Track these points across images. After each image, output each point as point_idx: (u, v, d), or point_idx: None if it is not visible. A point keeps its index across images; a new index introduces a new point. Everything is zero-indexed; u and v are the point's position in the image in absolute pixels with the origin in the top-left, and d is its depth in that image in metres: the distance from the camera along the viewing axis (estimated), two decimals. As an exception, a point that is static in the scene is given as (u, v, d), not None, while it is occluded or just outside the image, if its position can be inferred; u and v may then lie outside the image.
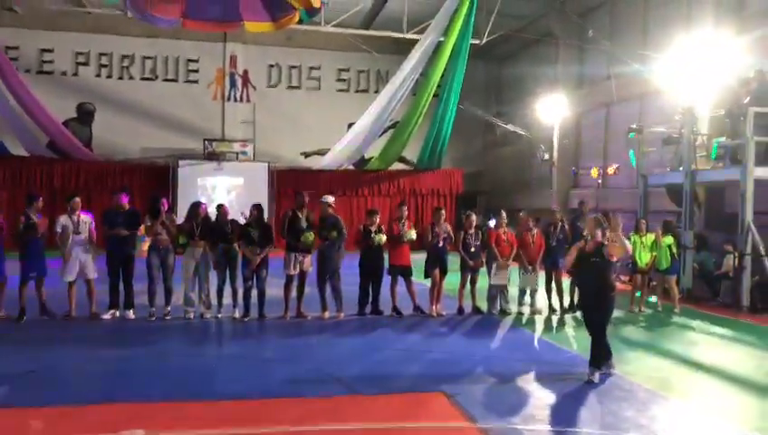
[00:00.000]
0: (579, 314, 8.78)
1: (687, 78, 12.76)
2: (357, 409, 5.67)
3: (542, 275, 10.41)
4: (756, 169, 11.12)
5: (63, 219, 9.12)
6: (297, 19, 15.70)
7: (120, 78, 23.26)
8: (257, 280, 9.36)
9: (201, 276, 9.37)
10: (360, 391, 6.12)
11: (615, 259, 6.64)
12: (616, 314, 10.35)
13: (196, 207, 9.55)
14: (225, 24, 16.65)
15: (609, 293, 6.55)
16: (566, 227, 10.65)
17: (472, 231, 10.13)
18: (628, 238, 10.81)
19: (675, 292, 10.81)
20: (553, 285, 10.45)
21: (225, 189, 21.28)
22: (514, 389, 6.30)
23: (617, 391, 6.15)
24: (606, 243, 6.52)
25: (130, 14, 16.89)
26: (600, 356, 6.52)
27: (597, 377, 6.37)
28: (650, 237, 10.80)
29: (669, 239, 10.74)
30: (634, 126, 14.21)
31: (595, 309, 6.60)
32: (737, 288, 11.21)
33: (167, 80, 23.65)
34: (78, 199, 9.29)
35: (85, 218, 9.19)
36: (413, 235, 9.87)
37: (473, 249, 10.05)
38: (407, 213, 10.22)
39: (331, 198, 9.88)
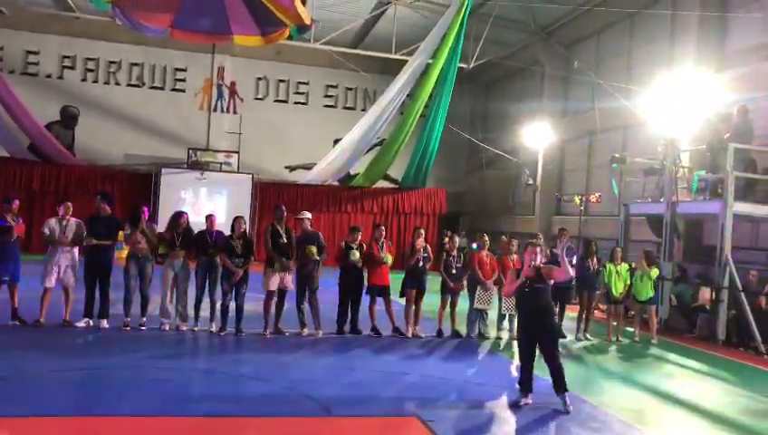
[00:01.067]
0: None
1: (670, 112, 12.97)
2: (330, 431, 5.59)
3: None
4: (736, 204, 11.29)
5: (53, 222, 8.97)
6: (287, 35, 15.70)
7: (107, 83, 23.10)
8: (236, 295, 9.25)
9: (180, 288, 9.24)
10: (333, 412, 6.03)
11: (552, 280, 6.69)
12: (594, 342, 10.49)
13: (177, 216, 9.43)
14: (214, 37, 16.58)
15: (550, 316, 6.72)
16: (547, 252, 10.69)
17: (454, 253, 10.14)
18: (604, 267, 10.95)
19: (654, 322, 10.88)
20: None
21: (209, 200, 21.12)
22: (489, 416, 6.27)
23: (591, 422, 6.13)
24: (540, 266, 6.64)
25: (119, 22, 16.80)
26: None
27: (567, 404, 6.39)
28: (625, 266, 10.89)
29: (656, 271, 10.84)
30: (617, 156, 14.38)
31: (539, 332, 6.65)
32: (714, 321, 11.31)
33: (153, 87, 23.54)
34: (69, 204, 9.15)
35: (73, 224, 9.04)
36: (389, 259, 9.83)
37: (454, 271, 10.05)
38: (384, 234, 10.19)
39: (308, 214, 9.83)
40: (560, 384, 6.47)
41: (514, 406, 6.43)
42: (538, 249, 6.73)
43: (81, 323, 9.01)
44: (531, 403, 6.46)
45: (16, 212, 8.95)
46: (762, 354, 10.26)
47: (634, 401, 7.09)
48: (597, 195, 16.91)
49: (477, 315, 10.21)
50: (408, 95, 20.99)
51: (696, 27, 14.82)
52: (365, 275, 9.90)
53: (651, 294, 10.78)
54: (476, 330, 10.21)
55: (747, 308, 10.75)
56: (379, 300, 9.85)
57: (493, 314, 10.46)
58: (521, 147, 21.20)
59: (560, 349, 6.85)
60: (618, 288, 10.73)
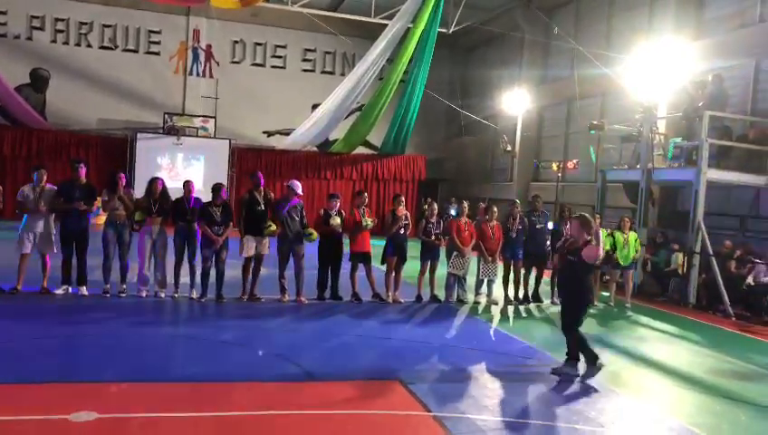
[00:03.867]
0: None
1: (648, 79, 13.06)
2: (312, 395, 5.68)
3: (500, 266, 10.58)
4: (709, 171, 11.49)
5: (27, 189, 8.82)
6: (265, -4, 15.40)
7: (78, 45, 22.47)
8: (216, 261, 9.24)
9: (158, 254, 9.20)
10: (316, 376, 6.13)
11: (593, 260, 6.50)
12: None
13: (152, 182, 9.33)
14: (190, -1, 16.19)
15: (583, 294, 6.66)
16: (525, 219, 10.84)
17: (434, 219, 10.22)
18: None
19: (629, 287, 11.13)
20: (511, 276, 10.63)
21: (186, 166, 20.88)
22: (469, 378, 6.40)
23: (567, 384, 6.31)
24: (591, 243, 6.41)
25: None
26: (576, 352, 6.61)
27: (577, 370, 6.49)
28: (603, 232, 11.05)
29: (634, 235, 11.06)
30: (595, 122, 14.49)
31: (566, 307, 6.73)
32: (685, 285, 11.61)
33: (126, 50, 22.97)
34: (43, 171, 9.00)
35: (50, 190, 8.90)
36: (371, 223, 9.89)
37: (433, 237, 10.15)
38: (366, 201, 10.22)
39: (298, 185, 9.74)
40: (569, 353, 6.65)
41: (568, 379, 6.40)
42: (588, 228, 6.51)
43: (60, 291, 8.97)
44: (578, 374, 6.46)
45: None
46: (729, 317, 10.58)
47: (609, 364, 7.28)
48: (574, 161, 17.08)
49: (455, 281, 10.34)
50: (387, 60, 20.78)
51: (675, -6, 14.84)
52: (345, 241, 9.94)
53: (632, 259, 11.01)
54: (455, 295, 10.36)
55: (718, 272, 11.04)
56: (360, 266, 9.92)
57: (471, 280, 10.61)
58: (500, 113, 21.23)
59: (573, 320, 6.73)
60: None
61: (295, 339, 7.56)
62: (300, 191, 9.67)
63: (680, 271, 12.01)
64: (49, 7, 21.94)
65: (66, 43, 22.36)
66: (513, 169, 21.28)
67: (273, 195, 9.86)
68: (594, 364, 6.50)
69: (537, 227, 10.75)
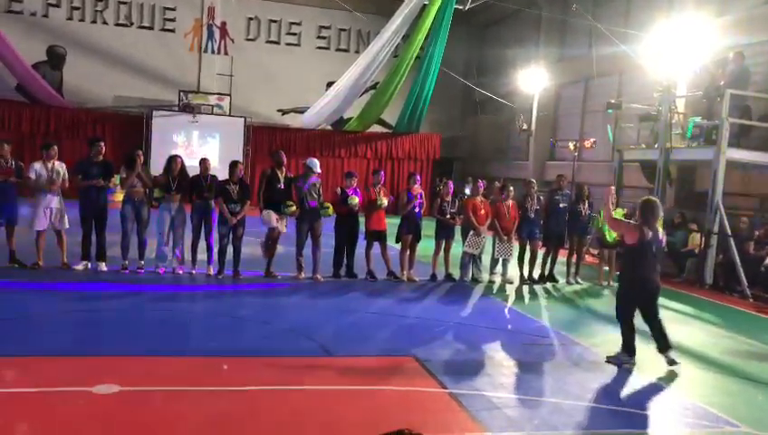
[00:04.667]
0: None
1: (667, 57, 12.84)
2: (329, 370, 5.75)
3: (515, 246, 10.58)
4: (729, 151, 11.34)
5: (38, 166, 8.89)
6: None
7: (93, 22, 22.48)
8: (233, 238, 9.31)
9: (176, 232, 9.28)
10: (332, 352, 6.20)
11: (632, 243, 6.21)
12: (584, 286, 10.68)
13: (172, 160, 9.38)
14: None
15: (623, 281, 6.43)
16: (541, 198, 10.81)
17: (449, 198, 10.20)
18: (598, 213, 11.04)
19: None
20: (527, 255, 10.62)
21: (201, 143, 20.95)
22: (484, 356, 6.45)
23: (583, 363, 6.34)
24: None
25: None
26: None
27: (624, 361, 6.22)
28: (619, 212, 10.98)
29: None
30: (613, 101, 14.32)
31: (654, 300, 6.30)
32: (702, 266, 11.54)
33: (142, 27, 22.94)
34: (55, 148, 9.10)
35: (60, 167, 8.98)
36: (386, 202, 9.90)
37: (448, 216, 10.15)
38: (383, 180, 10.24)
39: (317, 164, 9.76)
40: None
41: (619, 367, 6.15)
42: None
43: (80, 266, 9.09)
44: (633, 365, 6.22)
45: (8, 156, 8.83)
46: (747, 298, 10.51)
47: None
48: (591, 140, 16.91)
49: (470, 259, 10.35)
50: (402, 37, 20.61)
51: (697, -32, 14.52)
52: (361, 219, 9.97)
53: None
54: (470, 274, 10.37)
55: (736, 253, 10.95)
56: (375, 244, 9.95)
57: (486, 259, 10.61)
58: (516, 91, 21.01)
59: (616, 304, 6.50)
60: (611, 233, 10.85)
61: (311, 315, 7.63)
62: (318, 169, 9.70)
63: (696, 251, 11.92)
64: (65, -16, 21.93)
65: (82, 20, 22.37)
66: (530, 148, 21.12)
67: (290, 174, 9.89)
68: (627, 358, 6.27)
69: (561, 206, 10.71)
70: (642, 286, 6.26)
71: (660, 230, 6.31)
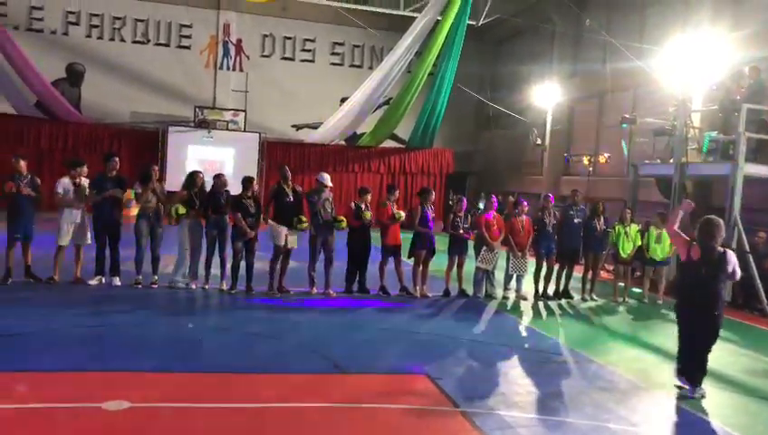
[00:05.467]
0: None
1: (682, 72, 12.75)
2: (341, 387, 5.71)
3: (530, 261, 10.49)
4: (746, 166, 11.20)
5: (66, 182, 9.01)
6: (294, -10, 15.43)
7: (111, 39, 22.80)
8: (247, 253, 9.32)
9: (192, 247, 9.31)
10: (344, 369, 6.15)
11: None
12: (600, 302, 10.56)
13: (194, 176, 9.46)
14: (220, -8, 16.30)
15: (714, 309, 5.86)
16: (556, 213, 10.74)
17: (461, 214, 10.16)
18: (613, 228, 10.94)
19: (663, 283, 10.93)
20: (543, 271, 10.52)
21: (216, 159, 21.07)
22: (498, 374, 6.37)
23: (599, 381, 6.23)
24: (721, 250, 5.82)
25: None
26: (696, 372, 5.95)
27: (698, 393, 5.89)
28: (634, 228, 10.90)
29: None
30: (627, 116, 14.23)
31: (697, 325, 5.89)
32: (720, 283, 11.33)
33: (158, 44, 23.24)
34: (85, 167, 9.21)
35: (85, 183, 9.09)
36: (403, 215, 9.91)
37: (461, 231, 10.09)
38: (398, 195, 10.29)
39: (328, 178, 9.79)
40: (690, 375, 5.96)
41: (682, 398, 5.85)
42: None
43: (94, 281, 9.14)
44: (698, 396, 5.86)
45: (25, 171, 8.94)
46: (766, 316, 10.32)
47: (640, 361, 7.19)
48: (606, 156, 16.81)
49: (483, 275, 10.28)
50: (416, 53, 20.69)
51: (712, -17, 14.47)
52: (372, 234, 9.94)
53: (665, 255, 10.80)
54: (483, 290, 10.29)
55: (755, 270, 10.77)
56: (389, 259, 9.92)
57: (499, 275, 10.53)
58: (530, 106, 20.98)
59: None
60: (626, 249, 10.75)
61: (323, 331, 7.59)
62: (329, 183, 9.72)
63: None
64: (84, 3, 22.30)
65: (101, 37, 22.71)
66: (544, 163, 21.04)
67: (300, 188, 9.91)
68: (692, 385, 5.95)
69: (575, 221, 10.63)
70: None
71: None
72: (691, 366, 5.94)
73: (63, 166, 9.43)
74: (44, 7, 22.00)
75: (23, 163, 8.91)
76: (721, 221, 5.96)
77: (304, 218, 9.37)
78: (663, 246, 10.73)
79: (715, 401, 6.01)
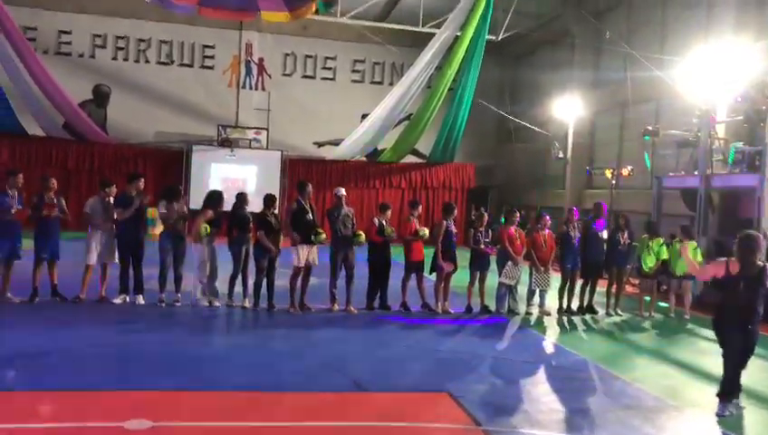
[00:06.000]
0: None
1: (705, 82, 12.60)
2: (362, 405, 5.69)
3: (554, 277, 10.39)
4: (774, 177, 11.00)
5: (93, 202, 9.20)
6: (314, 10, 15.61)
7: (137, 61, 23.25)
8: (269, 270, 9.36)
9: (212, 265, 9.40)
10: (365, 387, 6.13)
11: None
12: (625, 317, 10.39)
13: (220, 196, 9.57)
14: (241, 13, 16.59)
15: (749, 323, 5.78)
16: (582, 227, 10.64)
17: (482, 229, 10.11)
18: (639, 242, 10.79)
19: (688, 297, 10.72)
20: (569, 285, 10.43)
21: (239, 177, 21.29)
22: (521, 391, 6.29)
23: (624, 399, 6.12)
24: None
25: (148, 0, 16.90)
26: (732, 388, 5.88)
27: (728, 411, 5.76)
28: (658, 241, 10.73)
29: (693, 245, 10.63)
30: (650, 128, 14.08)
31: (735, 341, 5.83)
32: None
33: (182, 65, 23.64)
34: (114, 188, 9.38)
35: (112, 204, 9.26)
36: (426, 232, 9.91)
37: (482, 246, 10.03)
38: (420, 210, 10.31)
39: (343, 190, 9.86)
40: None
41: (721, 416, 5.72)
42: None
43: (118, 300, 9.25)
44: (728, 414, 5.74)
45: (54, 190, 9.12)
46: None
47: (667, 377, 7.06)
48: (629, 168, 16.61)
49: (506, 291, 10.19)
50: (436, 68, 20.76)
51: (734, -8, 14.32)
52: (392, 250, 9.93)
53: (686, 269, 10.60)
54: (506, 305, 10.20)
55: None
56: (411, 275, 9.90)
57: (522, 290, 10.43)
58: (551, 119, 20.87)
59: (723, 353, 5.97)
60: (648, 263, 10.58)
61: (345, 349, 7.58)
62: (342, 192, 9.77)
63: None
64: (110, 26, 22.80)
65: (126, 59, 23.16)
66: (566, 177, 20.87)
67: (314, 206, 9.92)
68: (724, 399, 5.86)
69: (599, 235, 10.53)
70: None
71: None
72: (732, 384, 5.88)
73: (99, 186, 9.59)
74: (72, 31, 22.53)
75: (53, 184, 9.11)
76: (761, 236, 5.94)
77: (321, 230, 9.39)
78: (683, 261, 10.53)
79: (748, 419, 5.86)
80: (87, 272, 9.19)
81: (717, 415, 5.72)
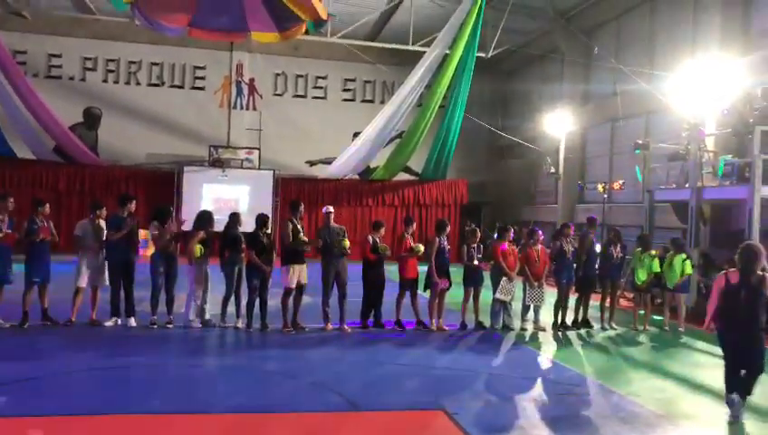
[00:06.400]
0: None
1: (694, 96, 12.73)
2: (357, 425, 5.63)
3: (548, 292, 10.38)
4: (763, 188, 11.08)
5: (84, 224, 9.14)
6: (304, 30, 15.68)
7: (127, 83, 23.32)
8: (261, 289, 9.31)
9: (204, 286, 9.34)
10: (359, 407, 6.07)
11: None
12: (619, 331, 10.38)
13: (210, 217, 9.54)
14: (231, 34, 16.64)
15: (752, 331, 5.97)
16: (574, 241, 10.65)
17: (475, 244, 10.10)
18: (632, 256, 10.81)
19: (682, 310, 10.72)
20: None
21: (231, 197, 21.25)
22: (516, 407, 6.24)
23: (620, 413, 6.08)
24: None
25: (138, 22, 16.96)
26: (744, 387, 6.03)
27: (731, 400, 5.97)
28: (649, 254, 10.74)
29: (683, 257, 10.65)
30: (640, 142, 14.19)
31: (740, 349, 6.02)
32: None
33: (173, 86, 23.72)
34: (105, 210, 9.34)
35: (102, 225, 9.21)
36: (422, 249, 9.89)
37: (475, 262, 10.02)
38: (414, 227, 10.33)
39: (331, 208, 9.86)
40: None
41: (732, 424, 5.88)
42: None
43: (110, 323, 9.16)
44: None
45: (47, 215, 9.07)
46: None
47: (662, 391, 7.02)
48: (620, 182, 16.72)
49: (501, 307, 10.16)
50: (426, 86, 20.89)
51: (720, 8, 14.53)
52: (386, 268, 9.90)
53: (677, 281, 10.62)
54: (500, 321, 10.16)
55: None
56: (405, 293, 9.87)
57: (517, 306, 10.41)
58: (542, 135, 21.01)
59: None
60: (639, 276, 10.59)
61: (339, 368, 7.52)
62: (330, 209, 9.79)
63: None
64: (100, 49, 22.87)
65: (117, 81, 23.23)
66: (558, 191, 20.96)
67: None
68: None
69: (593, 249, 10.55)
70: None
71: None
72: (740, 391, 6.01)
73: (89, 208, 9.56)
74: (62, 54, 22.60)
75: (47, 210, 9.05)
76: (761, 247, 6.13)
77: (305, 239, 9.36)
78: (675, 273, 10.56)
79: (741, 431, 5.84)
80: (77, 295, 9.11)
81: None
